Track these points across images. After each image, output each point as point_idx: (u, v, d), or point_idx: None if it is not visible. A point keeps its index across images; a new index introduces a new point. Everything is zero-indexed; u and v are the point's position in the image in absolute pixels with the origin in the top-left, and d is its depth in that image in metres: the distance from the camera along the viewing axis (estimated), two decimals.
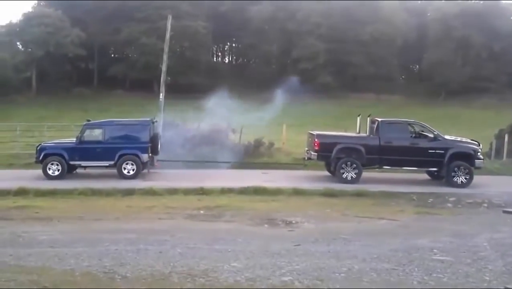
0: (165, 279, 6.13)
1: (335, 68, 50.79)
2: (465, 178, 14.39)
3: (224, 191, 12.71)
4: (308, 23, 51.59)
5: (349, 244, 7.93)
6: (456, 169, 14.39)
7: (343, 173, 14.58)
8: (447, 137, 15.02)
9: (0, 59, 49.87)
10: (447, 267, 6.68)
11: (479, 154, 14.69)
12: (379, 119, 15.06)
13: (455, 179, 14.39)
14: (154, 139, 15.84)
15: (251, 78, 53.42)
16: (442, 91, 49.41)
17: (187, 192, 12.60)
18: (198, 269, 6.46)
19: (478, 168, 14.71)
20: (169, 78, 20.89)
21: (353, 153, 14.72)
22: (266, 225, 9.37)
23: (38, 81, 52.50)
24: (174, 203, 11.44)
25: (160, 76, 21.15)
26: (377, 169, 15.65)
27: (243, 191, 12.70)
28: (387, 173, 16.09)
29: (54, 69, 52.20)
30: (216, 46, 66.33)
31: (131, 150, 15.31)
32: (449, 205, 12.15)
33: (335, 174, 14.89)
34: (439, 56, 49.73)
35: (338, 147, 14.71)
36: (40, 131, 23.43)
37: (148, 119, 16.18)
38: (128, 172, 15.20)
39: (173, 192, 12.60)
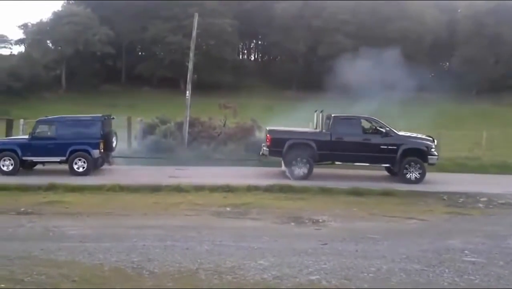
0: (192, 275, 6.13)
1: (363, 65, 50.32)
2: (418, 174, 14.24)
3: (250, 189, 12.66)
4: (335, 20, 51.21)
5: (377, 244, 7.80)
6: (408, 165, 14.25)
7: (294, 169, 14.44)
8: (400, 133, 14.83)
9: (31, 58, 51.13)
10: (479, 268, 6.50)
11: (432, 150, 14.47)
12: (333, 115, 14.92)
13: (408, 175, 14.26)
14: (107, 136, 15.84)
15: (277, 76, 53.32)
16: (473, 88, 48.38)
17: (213, 189, 12.60)
18: (225, 266, 6.44)
19: (432, 164, 14.53)
20: (195, 76, 21.00)
21: (304, 148, 14.54)
22: (292, 223, 9.31)
23: (68, 78, 53.57)
24: (201, 199, 11.48)
25: (187, 74, 21.27)
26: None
27: (269, 189, 12.64)
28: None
29: (83, 67, 53.20)
30: (242, 44, 66.47)
31: (81, 146, 15.26)
32: (481, 205, 11.85)
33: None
34: (471, 54, 48.72)
35: (289, 142, 14.54)
36: None
37: (99, 115, 16.02)
38: (79, 168, 15.19)
39: (199, 188, 12.63)
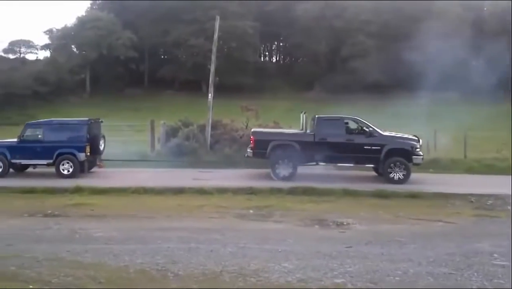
0: (217, 277, 6.13)
1: (386, 65, 49.57)
2: (402, 174, 14.14)
3: (273, 191, 12.63)
4: (357, 20, 50.85)
5: (404, 247, 7.67)
6: (392, 165, 14.15)
7: (278, 170, 14.49)
8: (384, 133, 14.76)
9: (57, 62, 52.18)
10: (509, 272, 6.33)
11: (417, 150, 14.31)
12: (316, 116, 14.95)
13: (392, 175, 14.16)
14: (93, 139, 15.99)
15: (299, 78, 53.17)
16: (501, 88, 47.35)
17: (236, 191, 12.60)
18: (249, 269, 6.43)
19: (417, 164, 14.42)
20: (217, 78, 21.09)
21: (288, 149, 14.55)
22: (316, 226, 9.23)
23: (92, 83, 54.48)
24: (224, 202, 11.48)
25: (208, 77, 21.36)
26: (430, 169, 15.12)
27: (292, 191, 12.57)
28: (440, 174, 15.56)
29: (107, 71, 54.06)
30: (263, 46, 66.57)
31: (68, 149, 15.49)
32: (509, 207, 11.55)
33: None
34: (499, 52, 47.71)
35: (273, 143, 14.57)
36: None
37: (86, 119, 16.27)
38: (65, 171, 15.43)
39: (222, 191, 12.64)
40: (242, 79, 51.63)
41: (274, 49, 70.70)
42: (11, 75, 48.71)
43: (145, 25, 55.44)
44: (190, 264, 6.62)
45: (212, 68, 21.25)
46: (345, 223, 9.44)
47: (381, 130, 14.89)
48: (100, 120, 17.32)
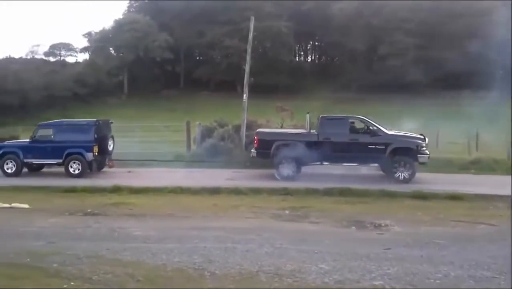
0: (253, 277, 6.11)
1: (426, 64, 48.40)
2: (408, 174, 14.01)
3: (309, 192, 12.55)
4: (396, 18, 49.87)
5: (444, 249, 7.45)
6: (397, 164, 14.05)
7: (282, 170, 14.56)
8: (389, 132, 14.64)
9: (95, 64, 53.55)
10: None
11: (423, 148, 14.11)
12: (320, 116, 15.03)
13: (397, 175, 14.06)
14: (101, 140, 16.41)
15: (335, 77, 52.63)
16: None
17: (271, 191, 12.59)
18: (285, 269, 6.38)
19: (422, 163, 14.24)
20: (252, 79, 21.13)
21: (291, 149, 14.54)
22: (353, 227, 9.10)
23: (129, 84, 55.54)
24: (259, 202, 11.49)
25: (243, 77, 21.43)
26: (472, 170, 14.69)
27: (328, 192, 12.46)
28: (482, 176, 15.10)
29: (144, 73, 55.06)
30: (298, 46, 66.29)
31: (76, 149, 15.95)
32: None
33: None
34: None
35: (276, 143, 14.67)
36: (131, 131, 24.73)
37: (93, 120, 16.77)
38: (74, 170, 15.92)
39: (257, 191, 12.66)
40: (277, 79, 51.59)
41: (309, 48, 70.26)
42: (52, 78, 50.34)
43: (181, 26, 56.14)
44: (227, 264, 6.63)
45: (247, 68, 21.30)
46: (382, 225, 9.27)
47: (386, 129, 14.81)
48: (110, 121, 17.89)
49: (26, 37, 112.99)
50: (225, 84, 51.99)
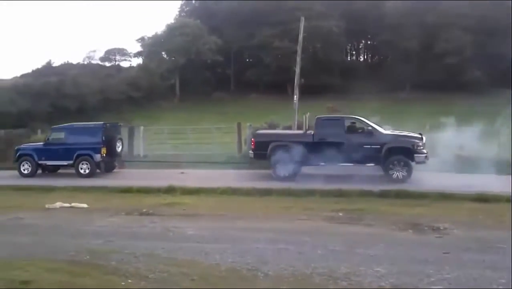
0: (306, 279, 6.05)
1: (485, 62, 46.23)
2: (404, 173, 13.98)
3: (363, 194, 12.25)
4: (452, 14, 48.01)
5: (508, 254, 7.06)
6: (393, 163, 14.03)
7: (278, 171, 14.75)
8: (385, 132, 14.70)
9: (148, 68, 55.05)
10: None
11: (420, 148, 14.01)
12: (316, 116, 15.21)
13: (393, 174, 14.06)
14: (109, 142, 17.23)
15: (388, 77, 51.39)
16: None
17: (324, 193, 12.39)
18: (340, 272, 6.27)
19: (419, 162, 14.10)
20: (302, 79, 20.98)
21: (287, 150, 14.67)
22: (410, 230, 8.78)
23: (181, 87, 56.61)
24: (312, 204, 11.32)
25: (294, 78, 21.32)
26: None
27: (384, 194, 12.11)
28: None
29: (195, 76, 55.96)
30: (350, 45, 65.21)
31: (85, 151, 16.87)
32: None
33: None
34: None
35: (272, 144, 14.85)
36: (183, 134, 25.23)
37: (101, 123, 17.66)
38: (84, 171, 16.94)
39: (310, 193, 12.50)
40: (328, 79, 51.04)
41: (362, 48, 68.99)
42: (107, 82, 52.26)
43: (230, 29, 56.71)
44: (280, 265, 6.59)
45: (297, 69, 21.18)
46: (441, 228, 8.89)
47: (383, 129, 14.88)
48: (119, 124, 18.94)
49: (83, 43, 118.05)
50: (275, 85, 51.96)
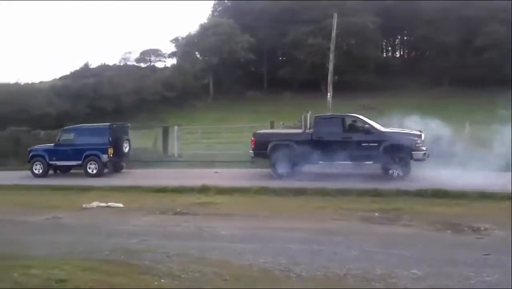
0: (340, 281, 5.94)
1: None
2: (402, 171, 14.02)
3: (400, 193, 11.93)
4: (491, 7, 46.33)
5: None
6: (390, 161, 14.09)
7: (278, 169, 15.01)
8: (383, 129, 14.69)
9: (182, 68, 55.58)
10: None
11: (418, 145, 13.91)
12: (315, 115, 15.47)
13: (391, 172, 14.16)
14: (116, 142, 17.82)
15: (426, 73, 50.12)
16: None
17: (360, 193, 12.14)
18: (375, 273, 6.13)
19: (418, 159, 14.02)
20: (336, 77, 20.75)
21: (286, 149, 15.05)
22: (449, 231, 8.50)
23: (215, 87, 56.89)
24: (347, 204, 11.11)
25: (327, 76, 21.12)
26: None
27: (421, 193, 11.75)
28: None
29: (228, 75, 56.08)
30: (385, 41, 63.87)
31: (93, 151, 17.55)
32: None
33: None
34: None
35: (272, 144, 15.14)
36: (217, 133, 25.36)
37: (108, 124, 18.27)
38: (92, 171, 17.63)
39: (345, 192, 12.29)
40: (363, 76, 50.22)
41: (398, 43, 67.44)
42: (142, 82, 53.09)
43: (263, 27, 56.52)
44: (313, 266, 6.50)
45: (331, 67, 21.00)
46: (482, 228, 8.57)
47: (382, 126, 14.91)
48: (126, 125, 19.49)
49: (119, 45, 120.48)
50: (308, 83, 51.50)
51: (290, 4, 54.64)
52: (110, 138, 17.69)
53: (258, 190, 13.02)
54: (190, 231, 8.99)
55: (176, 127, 22.90)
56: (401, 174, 14.07)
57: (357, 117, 15.25)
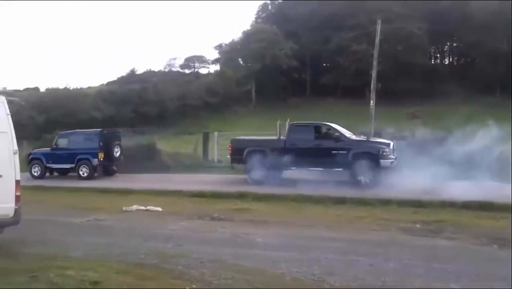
0: None
1: None
2: (370, 178, 14.43)
3: (445, 204, 11.44)
4: None
5: None
6: (359, 168, 14.51)
7: (252, 175, 15.60)
8: (352, 138, 15.27)
9: (225, 75, 56.11)
10: None
11: (385, 153, 14.39)
12: (289, 123, 16.00)
13: (359, 179, 14.55)
14: (107, 147, 18.80)
15: (476, 80, 48.31)
16: None
17: (402, 203, 11.74)
18: (411, 287, 5.91)
19: (385, 167, 14.35)
20: (379, 84, 20.26)
21: (261, 155, 15.56)
22: (495, 246, 8.04)
23: (257, 93, 57.01)
24: (387, 214, 10.76)
25: (371, 83, 20.70)
26: None
27: (467, 205, 11.22)
28: None
29: (270, 81, 56.08)
30: (433, 47, 62.08)
31: (84, 155, 18.63)
32: None
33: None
34: None
35: (247, 150, 15.76)
36: None
37: (99, 130, 19.44)
38: (84, 174, 18.59)
39: (386, 202, 11.93)
40: (410, 84, 48.88)
41: (446, 50, 65.40)
42: (186, 88, 54.04)
43: (306, 33, 56.26)
44: (347, 277, 6.33)
45: (374, 73, 20.57)
46: None
47: (351, 135, 15.45)
48: (118, 131, 20.63)
49: (164, 51, 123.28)
50: (352, 90, 50.75)
51: (334, 10, 54.19)
52: (101, 143, 18.76)
53: (296, 198, 12.84)
54: (225, 237, 8.95)
55: (216, 133, 23.04)
56: (368, 181, 14.45)
57: (328, 125, 15.89)
